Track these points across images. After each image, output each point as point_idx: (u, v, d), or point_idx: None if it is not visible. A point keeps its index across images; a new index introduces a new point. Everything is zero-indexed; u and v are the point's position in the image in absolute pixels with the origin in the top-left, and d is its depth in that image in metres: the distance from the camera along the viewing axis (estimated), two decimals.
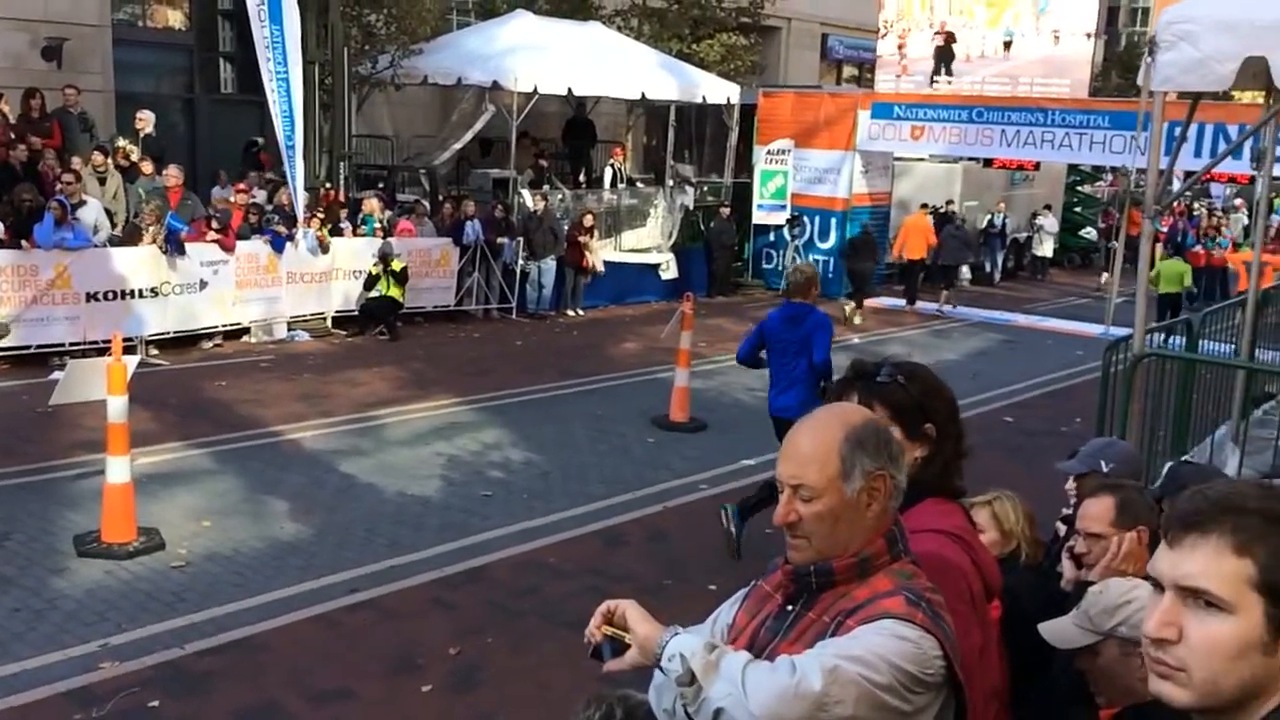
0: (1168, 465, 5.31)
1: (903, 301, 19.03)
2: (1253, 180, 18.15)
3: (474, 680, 5.46)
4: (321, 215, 13.94)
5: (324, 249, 13.75)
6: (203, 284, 12.53)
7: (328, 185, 14.93)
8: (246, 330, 13.24)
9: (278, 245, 13.29)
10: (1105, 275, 21.34)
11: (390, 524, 7.56)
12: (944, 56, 19.59)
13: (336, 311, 14.17)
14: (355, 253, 14.15)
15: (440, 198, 16.84)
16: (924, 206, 20.10)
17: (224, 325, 12.92)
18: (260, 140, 16.50)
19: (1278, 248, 19.34)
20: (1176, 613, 1.38)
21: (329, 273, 13.95)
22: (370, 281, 13.93)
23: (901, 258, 19.32)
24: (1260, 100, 7.29)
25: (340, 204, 14.72)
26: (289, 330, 13.59)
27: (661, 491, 8.56)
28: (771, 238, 19.91)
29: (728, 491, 8.62)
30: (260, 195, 14.33)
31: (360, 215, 14.73)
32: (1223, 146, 13.96)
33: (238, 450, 9.00)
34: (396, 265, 13.94)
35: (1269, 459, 5.73)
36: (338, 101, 15.15)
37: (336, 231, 14.12)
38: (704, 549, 7.33)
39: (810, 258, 19.41)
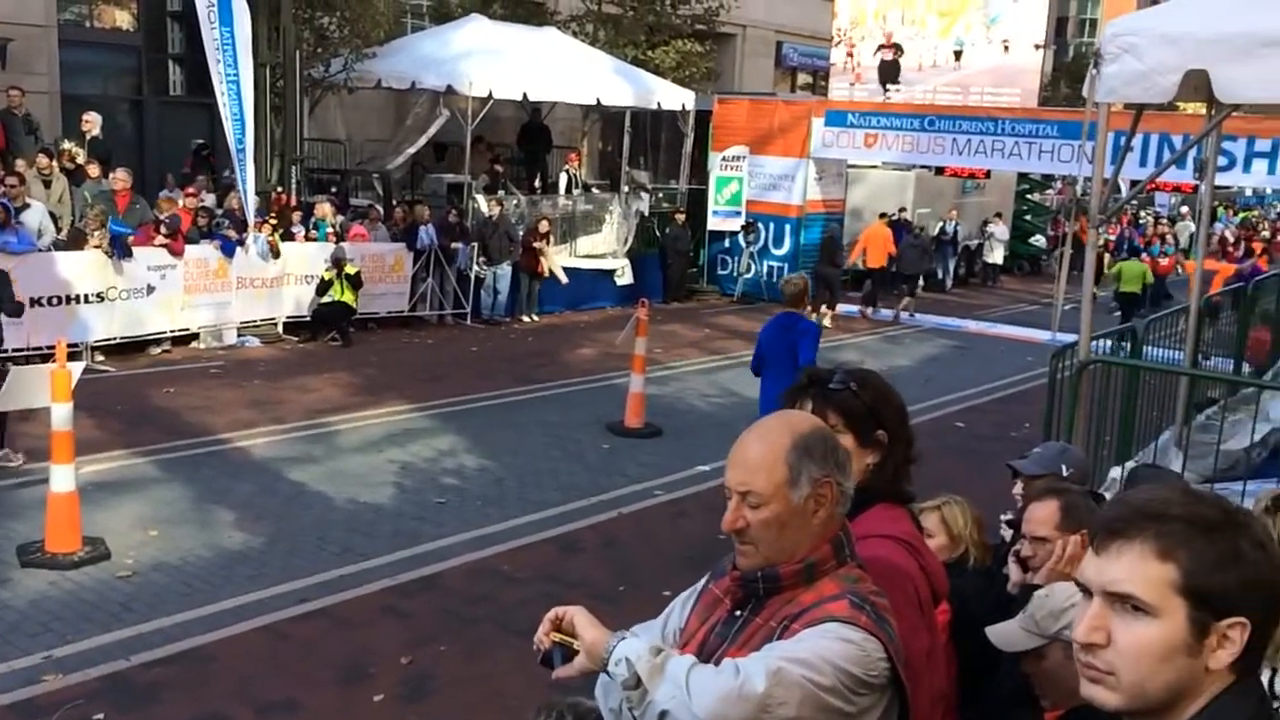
0: (1130, 467, 5.41)
1: (857, 308, 19.18)
2: (1196, 189, 18.52)
3: (426, 689, 5.42)
4: (273, 220, 13.78)
5: (275, 254, 13.60)
6: (150, 289, 12.34)
7: (279, 189, 14.76)
8: (195, 336, 13.05)
9: (228, 250, 13.12)
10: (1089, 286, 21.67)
11: (342, 532, 7.48)
12: (888, 71, 19.81)
13: (288, 317, 14.02)
14: (307, 257, 14.01)
15: (394, 202, 16.73)
16: (883, 215, 20.29)
17: (172, 331, 12.73)
18: (201, 142, 16.29)
19: (1228, 256, 19.94)
20: (1104, 618, 1.40)
21: (280, 278, 13.79)
22: (323, 287, 13.79)
23: (860, 265, 19.49)
24: (1203, 112, 7.44)
25: (293, 208, 14.57)
26: (239, 336, 13.41)
27: (616, 498, 8.56)
28: (726, 244, 20.00)
29: (683, 497, 8.64)
30: (209, 199, 14.14)
31: (312, 220, 14.58)
32: (1167, 156, 14.25)
33: (186, 458, 8.87)
34: (350, 270, 13.83)
35: (1211, 463, 5.85)
36: (289, 105, 15.00)
37: (288, 236, 13.98)
38: (658, 555, 7.34)
39: (765, 263, 19.58)
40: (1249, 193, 33.84)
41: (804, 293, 8.02)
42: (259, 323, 13.75)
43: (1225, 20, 5.11)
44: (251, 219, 13.42)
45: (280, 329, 13.97)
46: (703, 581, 2.24)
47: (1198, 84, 5.11)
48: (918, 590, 2.21)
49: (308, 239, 14.31)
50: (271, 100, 14.47)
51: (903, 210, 21.77)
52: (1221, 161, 14.84)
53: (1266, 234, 27.53)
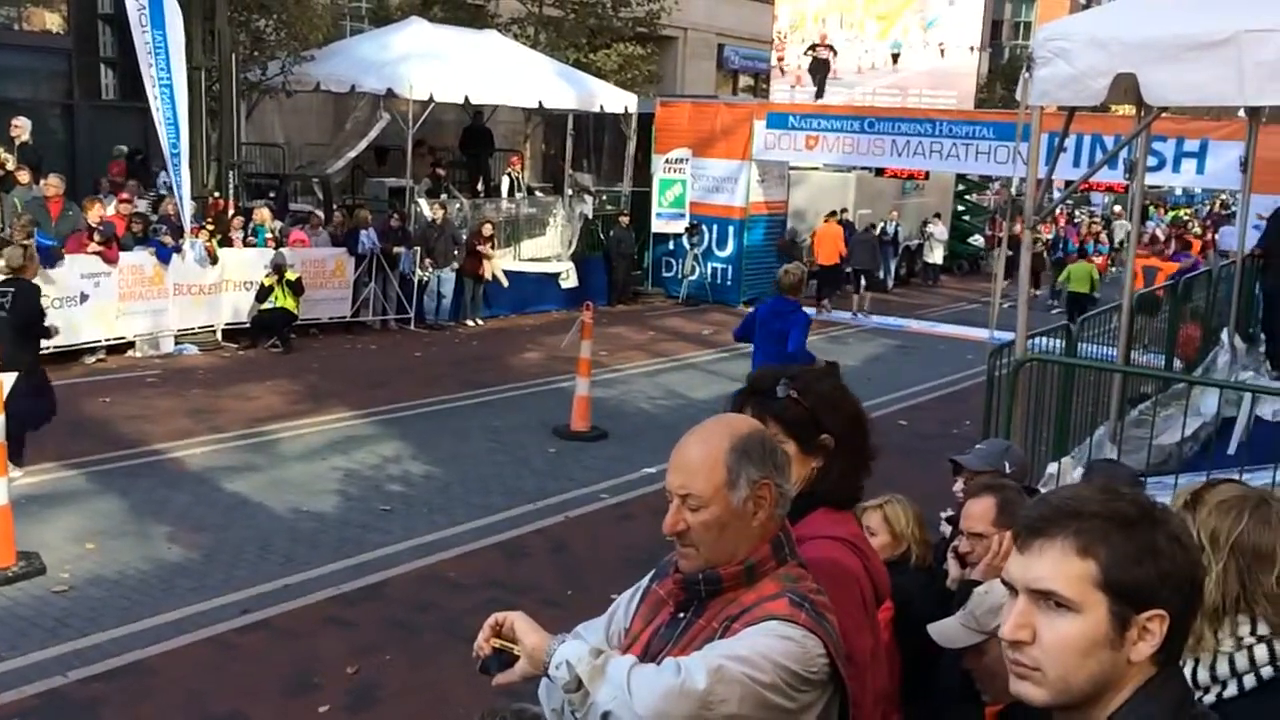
0: (1088, 461, 5.51)
1: (814, 310, 19.39)
2: (1128, 189, 18.93)
3: (372, 698, 5.37)
4: (210, 225, 13.57)
5: (213, 260, 13.39)
6: (83, 297, 12.08)
7: (216, 194, 14.54)
8: (131, 344, 12.81)
9: (164, 256, 12.90)
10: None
11: (285, 541, 7.39)
12: (818, 70, 20.04)
13: (227, 324, 13.80)
14: (246, 263, 13.81)
15: (334, 207, 16.55)
16: (831, 214, 20.57)
17: (107, 340, 12.47)
18: (126, 148, 15.98)
19: (1157, 250, 20.46)
20: (1029, 615, 1.44)
21: (218, 284, 13.58)
22: (263, 293, 13.60)
23: (812, 264, 19.70)
24: (1133, 113, 7.62)
25: (233, 213, 14.36)
26: (176, 344, 13.19)
27: (563, 502, 8.54)
28: (671, 246, 20.06)
29: (629, 500, 8.65)
30: (142, 205, 13.88)
31: (251, 225, 14.38)
32: (1099, 156, 14.55)
33: (123, 469, 8.69)
34: (291, 276, 13.65)
35: (1144, 457, 5.98)
36: (225, 108, 14.78)
37: (226, 242, 13.77)
38: (605, 558, 7.34)
39: (709, 265, 19.67)
40: (1179, 192, 34.68)
41: (801, 282, 8.55)
42: (197, 330, 13.52)
43: (1152, 25, 5.23)
44: (188, 225, 13.20)
45: (219, 336, 13.75)
46: (646, 580, 2.25)
47: (1127, 87, 5.23)
48: (862, 590, 2.24)
49: (246, 244, 14.11)
50: (207, 104, 14.25)
51: (844, 211, 21.97)
52: (1151, 162, 15.21)
53: (1197, 231, 28.22)
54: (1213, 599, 1.98)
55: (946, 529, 3.52)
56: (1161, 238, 24.03)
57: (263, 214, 14.59)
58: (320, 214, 15.78)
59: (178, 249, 13.04)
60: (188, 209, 13.19)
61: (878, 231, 22.89)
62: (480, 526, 7.88)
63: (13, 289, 8.07)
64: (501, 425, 10.67)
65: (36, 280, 9.03)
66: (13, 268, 8.28)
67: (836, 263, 19.51)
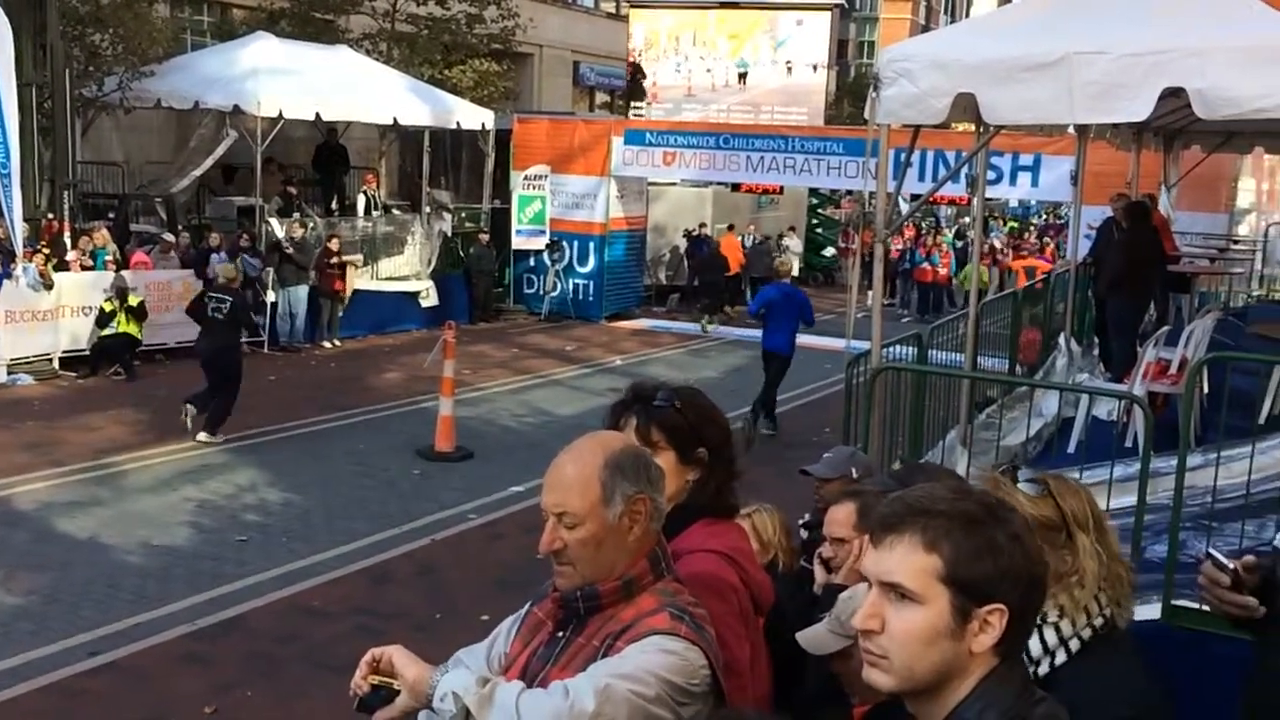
0: (895, 464, 5.72)
1: (664, 322, 19.69)
2: (970, 202, 19.81)
3: None
4: (45, 249, 12.88)
5: (47, 285, 12.71)
6: None
7: (50, 216, 13.82)
8: None
9: None
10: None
11: (134, 578, 7.05)
12: (630, 89, 20.45)
13: (64, 352, 13.11)
14: (83, 288, 13.15)
15: (180, 227, 15.93)
16: (730, 228, 22.10)
17: None
18: None
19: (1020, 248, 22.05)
20: (880, 606, 1.52)
21: (54, 310, 12.89)
22: (104, 318, 12.96)
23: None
24: (973, 130, 7.96)
25: (72, 234, 13.65)
26: (9, 374, 12.46)
27: (429, 524, 8.41)
28: (532, 263, 20.01)
29: (497, 519, 8.57)
30: None
31: (89, 248, 13.70)
32: (943, 171, 15.19)
33: None
34: (134, 300, 13.06)
35: (992, 458, 6.25)
36: (59, 126, 14.08)
37: (62, 265, 13.09)
38: (475, 579, 7.25)
39: (571, 281, 19.71)
40: (1015, 203, 36.43)
41: (790, 269, 11.46)
42: (32, 359, 12.80)
43: (989, 47, 5.50)
44: (20, 248, 12.50)
45: (56, 365, 13.05)
46: (527, 605, 2.24)
47: (967, 105, 5.47)
48: (740, 602, 2.28)
49: (84, 268, 13.44)
50: (39, 121, 13.57)
51: (703, 225, 22.34)
52: (990, 176, 15.96)
53: (1035, 241, 29.64)
54: None
55: (804, 534, 3.61)
56: (999, 247, 25.22)
57: (101, 235, 13.93)
58: (171, 237, 15.14)
59: (9, 274, 12.34)
60: (19, 232, 12.50)
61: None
62: (344, 553, 7.68)
63: (228, 298, 10.56)
64: (364, 448, 10.44)
65: None
66: (228, 279, 11.05)
67: (737, 272, 20.92)
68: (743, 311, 20.33)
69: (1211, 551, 2.26)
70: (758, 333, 19.70)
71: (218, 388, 10.32)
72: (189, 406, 10.25)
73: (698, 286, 20.80)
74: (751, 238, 23.57)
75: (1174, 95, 4.99)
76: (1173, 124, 9.73)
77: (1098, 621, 2.27)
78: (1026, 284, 16.22)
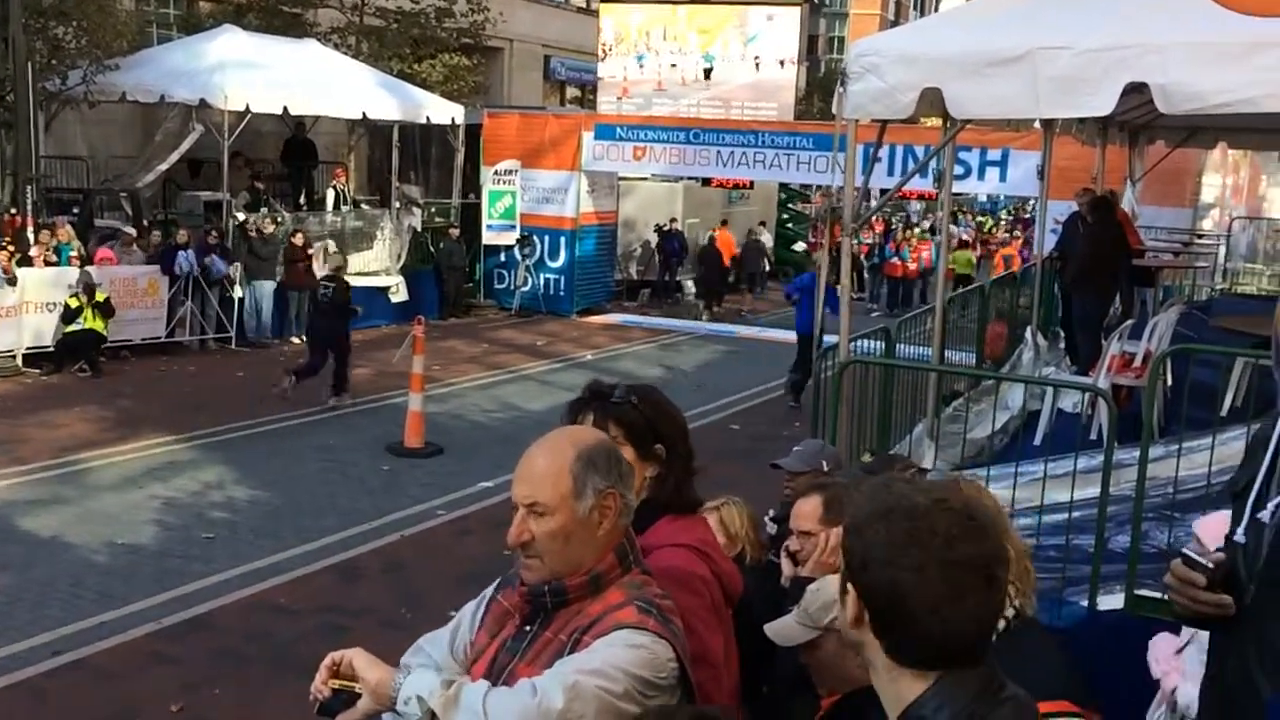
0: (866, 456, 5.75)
1: (635, 317, 19.69)
2: (938, 196, 19.94)
3: None
4: (8, 244, 12.70)
5: (10, 280, 12.54)
6: None
7: (13, 211, 13.64)
8: None
9: None
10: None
11: (99, 576, 6.98)
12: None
13: (28, 348, 12.94)
14: (47, 283, 12.99)
15: (145, 222, 15.75)
16: (723, 223, 22.75)
17: None
18: None
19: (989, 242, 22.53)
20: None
21: (17, 306, 12.72)
22: (70, 314, 12.81)
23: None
24: (940, 125, 8.01)
25: (36, 229, 13.46)
26: None
27: (398, 520, 8.37)
28: (502, 258, 19.94)
29: (466, 515, 8.54)
30: None
31: (53, 243, 13.53)
32: (911, 165, 15.26)
33: None
34: (100, 296, 12.91)
35: (959, 451, 6.30)
36: (21, 120, 13.88)
37: (25, 261, 12.91)
38: (443, 575, 7.22)
39: (541, 276, 19.67)
40: (983, 198, 36.67)
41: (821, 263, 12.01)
42: None
43: (956, 42, 5.52)
44: None
45: (19, 361, 12.88)
46: (490, 590, 2.23)
47: (934, 100, 5.50)
48: (711, 595, 2.29)
49: (48, 264, 13.27)
50: (1, 115, 13.36)
51: (674, 221, 22.35)
52: (958, 170, 16.07)
53: (1003, 236, 29.90)
54: None
55: (772, 528, 3.62)
56: (969, 240, 25.44)
57: (65, 231, 13.75)
58: (132, 231, 14.97)
59: None
60: None
61: (705, 241, 23.56)
62: (312, 550, 7.63)
63: (334, 284, 11.87)
64: (333, 444, 10.37)
65: None
66: (335, 268, 12.62)
67: (728, 266, 21.92)
68: (731, 307, 21.68)
69: (1186, 550, 2.22)
70: (729, 326, 20.00)
71: (323, 360, 11.67)
72: (291, 377, 11.41)
73: (701, 280, 21.76)
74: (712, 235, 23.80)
75: (1138, 90, 5.03)
76: (1137, 119, 9.83)
77: (1009, 613, 2.35)
78: (998, 275, 16.49)
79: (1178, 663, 3.38)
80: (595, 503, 2.02)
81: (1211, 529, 3.60)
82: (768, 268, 25.71)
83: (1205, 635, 3.32)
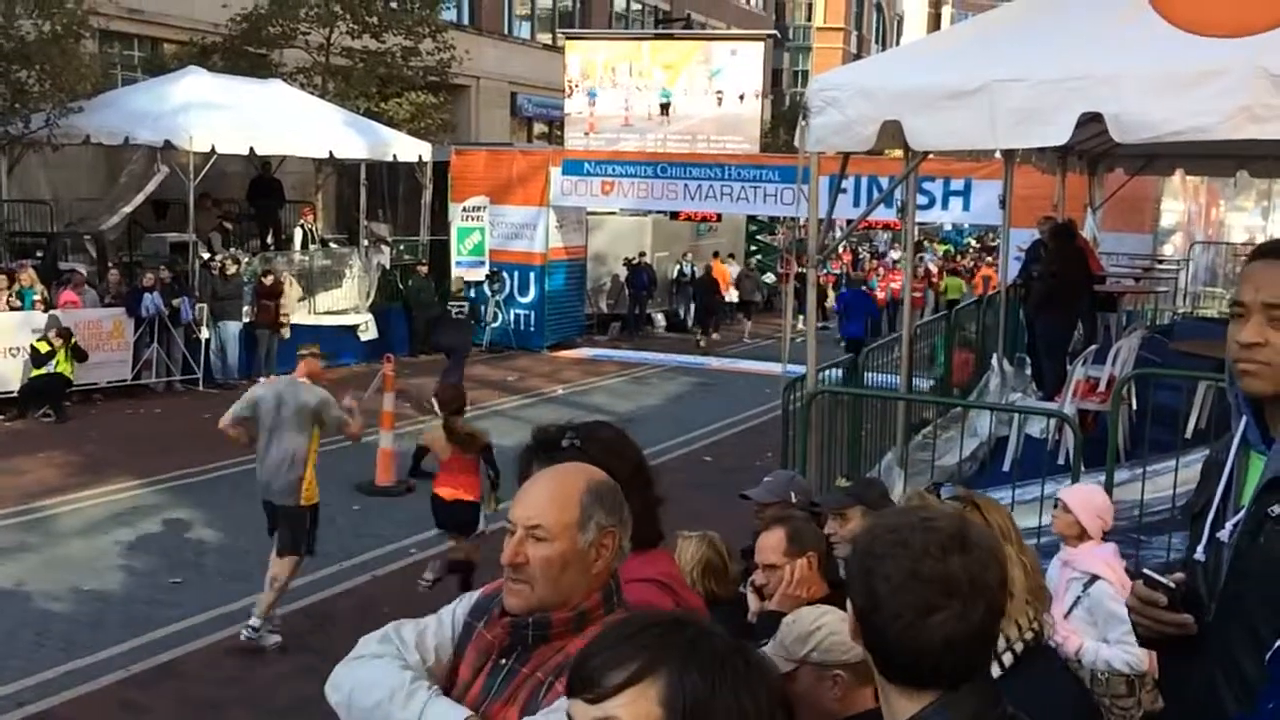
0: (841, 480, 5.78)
1: (607, 351, 19.73)
2: (901, 226, 20.13)
3: None
4: None
5: None
6: None
7: None
8: None
9: None
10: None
11: (64, 625, 6.87)
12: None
13: None
14: (10, 328, 12.85)
15: (110, 264, 15.63)
16: (715, 255, 23.80)
17: None
18: None
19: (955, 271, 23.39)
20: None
21: None
22: (40, 358, 12.66)
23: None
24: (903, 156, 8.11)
25: None
26: None
27: (369, 560, 8.31)
28: (472, 294, 19.92)
29: (439, 554, 8.46)
30: None
31: (15, 287, 13.39)
32: (875, 196, 15.42)
33: None
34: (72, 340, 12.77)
35: (928, 478, 6.34)
36: None
37: None
38: (416, 615, 7.13)
39: (511, 312, 19.67)
40: (949, 227, 37.08)
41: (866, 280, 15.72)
42: None
43: (914, 76, 5.63)
44: None
45: None
46: (463, 611, 2.21)
47: (894, 132, 5.59)
48: None
49: (12, 308, 13.13)
50: None
51: (642, 254, 22.45)
52: (922, 200, 16.28)
53: (969, 264, 30.17)
54: None
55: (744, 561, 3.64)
56: (934, 270, 25.69)
57: (28, 275, 13.62)
58: (83, 271, 14.81)
59: None
60: None
61: (674, 274, 23.73)
62: None
63: (467, 303, 15.08)
64: None
65: None
66: (458, 289, 15.70)
67: (721, 296, 22.88)
68: (717, 338, 22.27)
69: (1147, 571, 2.25)
70: (700, 359, 20.09)
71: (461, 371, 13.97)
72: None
73: (701, 309, 22.64)
74: (689, 266, 23.85)
75: (1094, 120, 5.14)
76: (1095, 148, 10.01)
77: (1028, 635, 2.32)
78: (960, 305, 16.70)
79: (1069, 626, 3.57)
80: (596, 538, 2.01)
81: (1078, 495, 3.82)
82: (760, 298, 25.91)
83: (1096, 598, 3.54)
